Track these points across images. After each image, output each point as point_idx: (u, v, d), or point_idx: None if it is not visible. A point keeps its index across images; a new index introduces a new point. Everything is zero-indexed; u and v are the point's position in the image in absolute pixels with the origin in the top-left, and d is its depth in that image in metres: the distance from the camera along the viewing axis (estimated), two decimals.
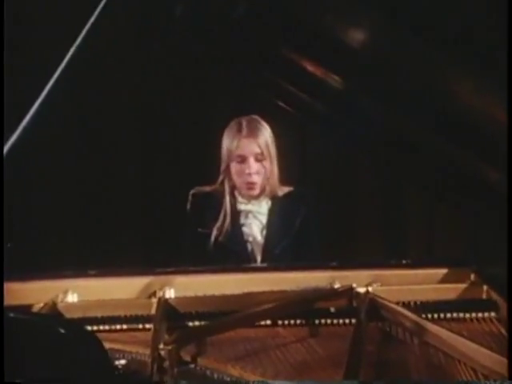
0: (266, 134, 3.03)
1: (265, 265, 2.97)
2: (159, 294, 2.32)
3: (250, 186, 3.02)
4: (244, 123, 3.02)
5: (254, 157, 3.00)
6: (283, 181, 3.10)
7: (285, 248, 3.02)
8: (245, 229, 3.06)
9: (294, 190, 3.10)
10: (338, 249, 3.89)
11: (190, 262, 2.81)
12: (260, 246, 3.05)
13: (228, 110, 3.87)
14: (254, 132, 3.01)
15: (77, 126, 4.08)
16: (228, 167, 3.04)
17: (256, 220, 3.07)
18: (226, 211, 3.03)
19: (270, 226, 3.06)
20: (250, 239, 3.05)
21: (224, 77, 3.79)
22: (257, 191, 3.04)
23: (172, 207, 3.61)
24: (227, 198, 3.04)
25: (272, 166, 3.03)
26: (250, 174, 3.00)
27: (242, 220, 3.06)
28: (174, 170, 4.09)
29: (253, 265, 2.95)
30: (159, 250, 3.90)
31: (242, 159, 3.01)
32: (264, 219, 3.06)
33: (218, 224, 3.01)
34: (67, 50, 1.82)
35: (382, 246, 4.22)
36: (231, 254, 2.98)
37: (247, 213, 3.07)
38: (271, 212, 3.07)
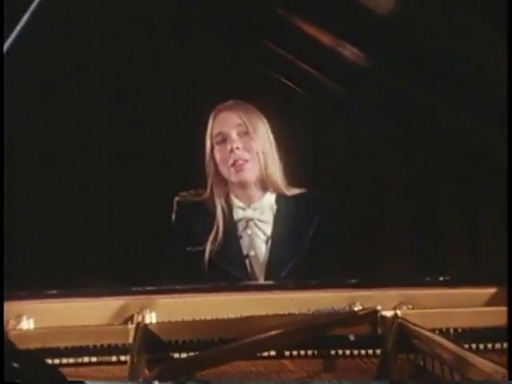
0: (253, 113, 3.01)
1: (269, 282, 2.96)
2: (137, 318, 2.32)
3: (239, 166, 2.97)
4: (229, 102, 3.04)
5: (235, 130, 2.99)
6: (291, 180, 3.06)
7: (293, 269, 2.96)
8: (243, 242, 3.02)
9: (306, 194, 3.06)
10: (360, 263, 3.90)
11: (175, 282, 2.79)
12: (262, 266, 3.00)
13: (221, 92, 3.88)
14: (234, 106, 3.02)
15: (42, 127, 4.09)
16: (213, 157, 3.00)
17: (258, 230, 3.02)
18: (218, 220, 2.99)
19: (276, 239, 3.00)
20: (252, 254, 3.01)
21: (216, 50, 3.80)
22: (249, 173, 2.98)
23: (153, 215, 3.61)
24: (219, 204, 3.00)
25: (265, 150, 2.99)
26: (233, 151, 2.96)
27: (240, 231, 3.02)
28: (154, 172, 4.09)
29: (253, 282, 2.95)
30: (137, 266, 3.91)
31: (223, 137, 2.99)
32: (268, 229, 3.02)
33: (210, 238, 2.97)
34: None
35: (413, 259, 4.23)
36: (224, 275, 2.92)
37: (247, 221, 3.03)
38: (277, 220, 3.02)
